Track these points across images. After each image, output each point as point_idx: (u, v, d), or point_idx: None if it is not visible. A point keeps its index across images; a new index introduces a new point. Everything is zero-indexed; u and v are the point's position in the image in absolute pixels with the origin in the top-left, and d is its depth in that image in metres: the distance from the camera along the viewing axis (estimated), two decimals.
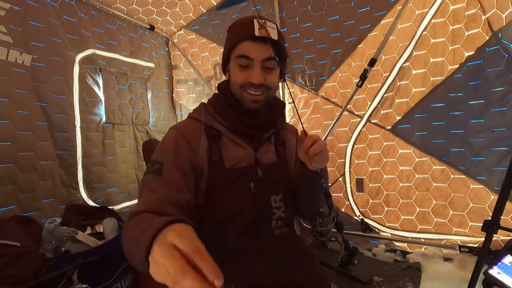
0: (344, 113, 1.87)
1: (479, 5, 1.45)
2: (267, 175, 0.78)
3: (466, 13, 1.49)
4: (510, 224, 1.40)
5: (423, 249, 1.65)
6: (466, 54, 1.51)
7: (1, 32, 1.34)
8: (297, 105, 2.04)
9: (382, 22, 1.73)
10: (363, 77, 1.71)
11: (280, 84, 2.10)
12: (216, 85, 0.85)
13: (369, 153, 1.86)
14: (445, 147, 1.60)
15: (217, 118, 0.78)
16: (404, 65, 1.70)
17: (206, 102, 0.85)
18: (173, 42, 2.46)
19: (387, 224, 1.81)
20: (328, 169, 0.87)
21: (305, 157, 0.70)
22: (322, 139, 0.70)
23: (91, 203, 1.75)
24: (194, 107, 0.86)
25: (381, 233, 1.82)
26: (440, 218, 1.64)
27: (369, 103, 1.82)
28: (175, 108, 2.58)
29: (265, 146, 0.82)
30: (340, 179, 1.97)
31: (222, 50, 0.82)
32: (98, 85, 1.86)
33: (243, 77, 0.74)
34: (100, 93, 1.87)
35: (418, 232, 1.70)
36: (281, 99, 1.88)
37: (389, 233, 1.79)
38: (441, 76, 1.59)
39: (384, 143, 1.80)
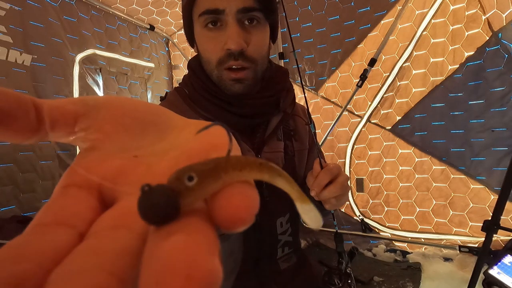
0: (344, 113, 1.87)
1: (479, 5, 1.45)
2: (274, 191, 0.56)
3: (466, 13, 1.49)
4: (510, 224, 1.40)
5: (423, 249, 1.65)
6: (466, 54, 1.51)
7: (1, 32, 1.34)
8: None
9: (382, 22, 1.73)
10: (363, 77, 1.71)
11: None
12: (187, 63, 0.60)
13: (369, 153, 1.86)
14: (445, 147, 1.60)
15: (200, 113, 0.55)
16: (404, 65, 1.69)
17: (179, 86, 0.61)
18: (173, 42, 2.46)
19: (387, 224, 1.81)
20: None
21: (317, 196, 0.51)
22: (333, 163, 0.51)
23: None
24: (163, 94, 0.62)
25: (381, 233, 1.81)
26: (440, 218, 1.64)
27: (369, 103, 1.81)
28: None
29: (272, 144, 0.58)
30: None
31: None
32: (98, 85, 1.86)
33: (218, 47, 0.50)
34: (100, 93, 1.87)
35: (418, 232, 1.70)
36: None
37: (389, 233, 1.79)
38: (441, 76, 1.59)
39: (384, 143, 1.80)
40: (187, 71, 0.60)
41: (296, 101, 0.66)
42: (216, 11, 0.48)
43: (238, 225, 0.10)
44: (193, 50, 0.59)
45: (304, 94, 0.70)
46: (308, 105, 1.85)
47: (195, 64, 0.57)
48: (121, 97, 0.17)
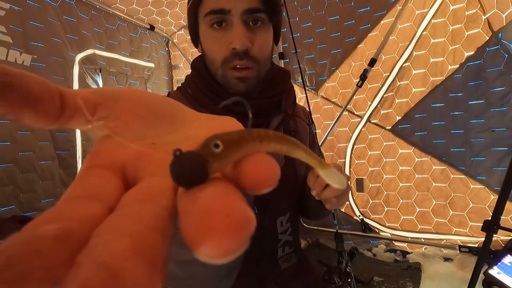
0: (344, 113, 1.87)
1: (479, 5, 1.45)
2: (273, 191, 0.57)
3: (466, 13, 1.49)
4: (510, 224, 1.40)
5: (423, 249, 1.65)
6: (466, 54, 1.51)
7: (1, 32, 1.34)
8: None
9: (382, 22, 1.73)
10: (363, 77, 1.71)
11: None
12: (191, 63, 0.61)
13: (369, 153, 1.86)
14: (445, 147, 1.60)
15: (202, 111, 0.47)
16: (404, 65, 1.69)
17: (181, 85, 0.61)
18: (173, 42, 2.46)
19: (387, 224, 1.81)
20: None
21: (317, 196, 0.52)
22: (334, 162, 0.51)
23: None
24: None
25: (381, 233, 1.81)
26: (440, 218, 1.64)
27: (369, 103, 1.81)
28: None
29: None
30: None
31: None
32: (98, 85, 1.86)
33: (223, 46, 0.51)
34: None
35: (418, 232, 1.70)
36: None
37: (389, 233, 1.79)
38: (441, 76, 1.59)
39: (384, 143, 1.80)
40: (191, 71, 0.60)
41: (296, 101, 0.66)
42: (222, 11, 0.49)
43: (264, 186, 0.11)
44: (196, 50, 0.59)
45: (306, 95, 0.70)
46: (303, 104, 1.83)
47: (199, 64, 0.57)
48: (136, 89, 0.18)
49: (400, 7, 1.64)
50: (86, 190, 0.12)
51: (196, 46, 0.59)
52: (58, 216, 0.10)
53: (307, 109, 0.72)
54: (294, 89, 0.65)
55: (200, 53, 0.58)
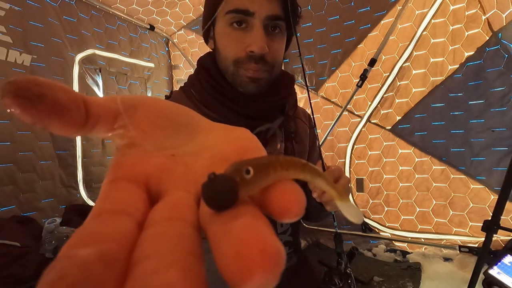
0: (344, 113, 1.87)
1: (479, 5, 1.45)
2: None
3: (466, 13, 1.49)
4: (510, 224, 1.40)
5: (423, 249, 1.65)
6: (466, 54, 1.51)
7: (0, 32, 1.34)
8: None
9: (382, 22, 1.73)
10: (363, 77, 1.71)
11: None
12: (197, 60, 0.60)
13: (369, 153, 1.86)
14: (445, 147, 1.60)
15: (205, 111, 0.54)
16: (404, 65, 1.69)
17: (184, 85, 0.61)
18: (173, 42, 2.46)
19: (387, 224, 1.81)
20: None
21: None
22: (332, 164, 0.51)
23: (91, 203, 1.74)
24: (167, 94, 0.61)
25: (381, 233, 1.81)
26: (440, 218, 1.64)
27: (369, 103, 1.81)
28: None
29: (273, 145, 0.59)
30: None
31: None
32: (97, 85, 1.86)
33: (240, 46, 0.51)
34: (99, 93, 1.87)
35: (418, 232, 1.70)
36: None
37: (389, 233, 1.79)
38: (441, 76, 1.59)
39: (384, 143, 1.80)
40: (195, 68, 0.60)
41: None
42: (246, 12, 0.50)
43: (290, 215, 0.11)
44: (196, 50, 0.60)
45: (309, 98, 0.70)
46: (303, 104, 1.82)
47: (208, 60, 0.58)
48: (155, 98, 0.17)
49: (400, 7, 1.64)
50: (115, 204, 0.12)
51: (207, 42, 0.59)
52: (96, 236, 0.10)
53: (308, 111, 0.73)
54: (296, 91, 0.66)
55: (211, 49, 0.58)
